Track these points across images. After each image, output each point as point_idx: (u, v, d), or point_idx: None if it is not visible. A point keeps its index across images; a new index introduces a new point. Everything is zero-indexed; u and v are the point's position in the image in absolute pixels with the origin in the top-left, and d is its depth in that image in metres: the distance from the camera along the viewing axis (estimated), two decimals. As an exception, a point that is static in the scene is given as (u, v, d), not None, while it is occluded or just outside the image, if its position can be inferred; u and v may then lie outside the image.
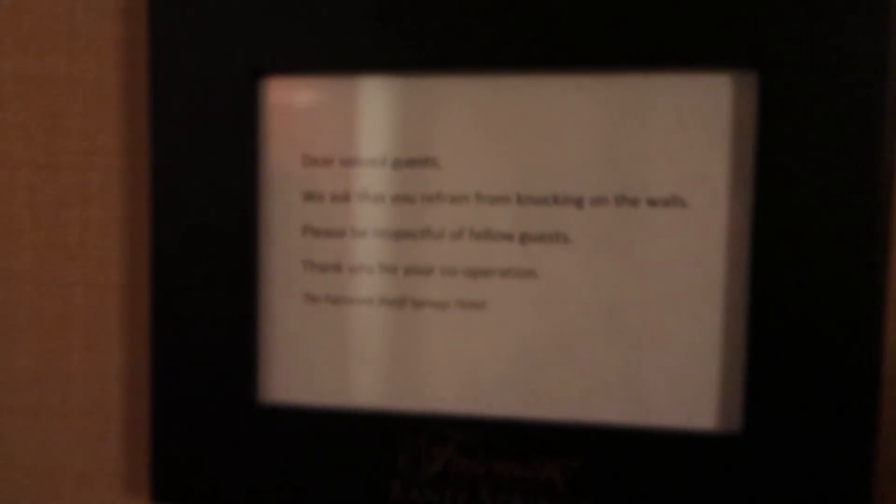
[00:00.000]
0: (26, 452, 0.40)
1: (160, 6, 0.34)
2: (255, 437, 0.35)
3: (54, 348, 0.39)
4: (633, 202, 0.32)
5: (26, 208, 0.38)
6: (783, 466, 0.31)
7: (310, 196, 0.34)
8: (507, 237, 0.33)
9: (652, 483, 0.32)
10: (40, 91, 0.38)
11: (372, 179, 0.34)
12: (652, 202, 0.32)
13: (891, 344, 0.32)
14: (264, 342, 0.35)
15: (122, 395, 0.39)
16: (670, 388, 0.33)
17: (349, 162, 0.34)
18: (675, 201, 0.32)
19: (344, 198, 0.34)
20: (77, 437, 0.39)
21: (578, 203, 0.33)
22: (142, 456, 0.38)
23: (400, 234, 0.34)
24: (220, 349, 0.34)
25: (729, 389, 0.32)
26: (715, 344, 0.32)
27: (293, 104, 0.34)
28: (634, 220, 0.32)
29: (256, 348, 0.35)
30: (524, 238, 0.33)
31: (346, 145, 0.34)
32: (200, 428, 0.35)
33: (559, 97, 0.32)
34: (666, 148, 0.32)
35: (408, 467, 0.34)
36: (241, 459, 0.35)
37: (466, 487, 0.33)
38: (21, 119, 0.38)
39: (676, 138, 0.32)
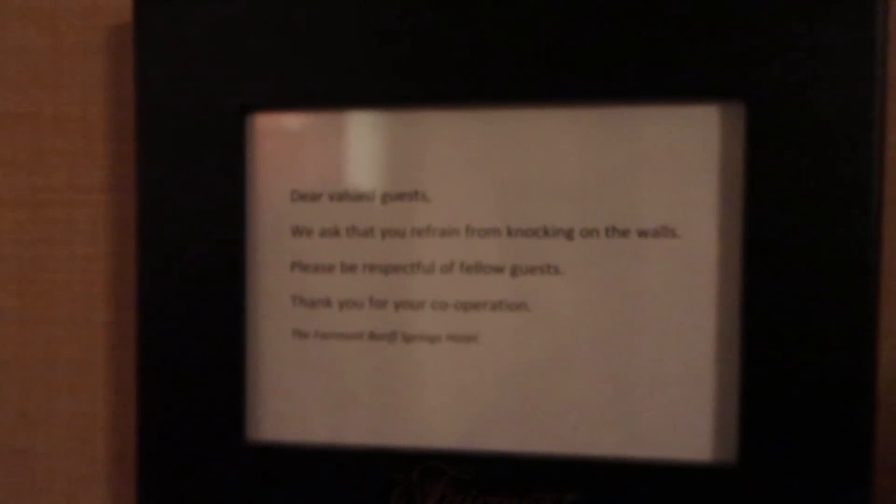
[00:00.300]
0: (11, 494, 0.39)
1: (146, 43, 0.34)
2: (245, 477, 0.34)
3: (39, 387, 0.38)
4: (624, 233, 0.32)
5: (11, 245, 0.38)
6: (779, 498, 0.31)
7: (298, 231, 0.34)
8: (498, 270, 0.33)
9: (648, 516, 0.32)
10: (26, 128, 0.38)
11: (361, 214, 0.34)
12: (642, 233, 0.32)
13: (885, 374, 0.32)
14: (253, 379, 0.35)
15: (108, 434, 0.38)
16: (664, 420, 0.32)
17: (338, 196, 0.34)
18: (665, 232, 0.32)
19: (333, 232, 0.34)
20: (63, 477, 0.38)
21: (569, 235, 0.33)
22: (129, 497, 0.38)
23: (390, 269, 0.34)
24: (207, 387, 0.34)
25: (724, 420, 0.32)
26: (709, 374, 0.32)
27: (281, 140, 0.34)
28: (625, 251, 0.32)
29: (245, 385, 0.34)
30: (515, 270, 0.33)
31: (335, 180, 0.34)
32: (188, 468, 0.34)
33: (548, 130, 0.32)
34: (655, 179, 0.32)
35: (401, 505, 0.33)
36: (231, 500, 0.34)
37: (460, 524, 0.33)
38: (6, 156, 0.38)
39: (666, 169, 0.32)
